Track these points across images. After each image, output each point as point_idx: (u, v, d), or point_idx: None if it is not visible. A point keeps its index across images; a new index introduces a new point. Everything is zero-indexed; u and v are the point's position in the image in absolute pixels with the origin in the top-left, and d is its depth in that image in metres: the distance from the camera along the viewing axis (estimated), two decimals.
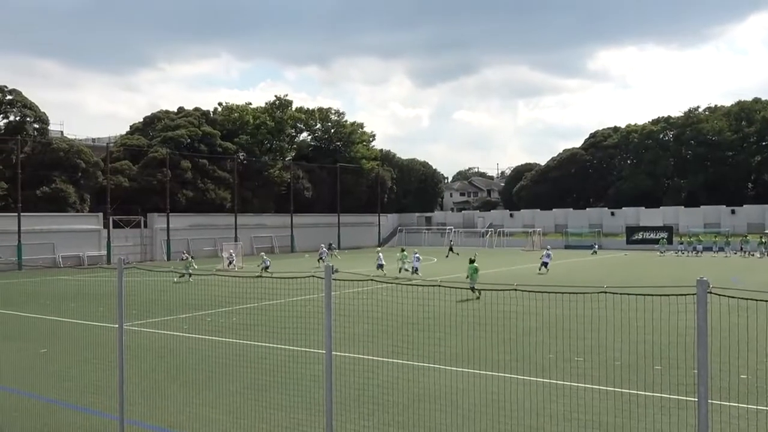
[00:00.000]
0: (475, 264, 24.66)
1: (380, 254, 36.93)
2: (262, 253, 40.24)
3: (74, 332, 17.12)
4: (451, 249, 55.27)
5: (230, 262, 40.19)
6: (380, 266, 34.54)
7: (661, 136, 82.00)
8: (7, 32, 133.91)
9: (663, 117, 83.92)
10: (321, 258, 43.10)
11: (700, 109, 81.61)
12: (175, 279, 30.72)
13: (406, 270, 33.47)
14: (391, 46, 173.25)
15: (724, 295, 4.78)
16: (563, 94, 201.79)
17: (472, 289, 20.84)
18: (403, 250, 36.62)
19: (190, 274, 29.83)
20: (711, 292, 4.53)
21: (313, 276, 7.03)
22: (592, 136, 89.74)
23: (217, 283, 29.32)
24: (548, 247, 43.73)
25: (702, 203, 69.71)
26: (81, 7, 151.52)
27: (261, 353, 13.87)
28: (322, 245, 46.80)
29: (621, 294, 5.71)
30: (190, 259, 34.74)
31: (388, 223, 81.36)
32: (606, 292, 5.71)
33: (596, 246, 60.05)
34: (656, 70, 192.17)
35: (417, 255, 34.49)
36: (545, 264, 37.00)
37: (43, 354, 14.80)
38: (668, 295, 5.17)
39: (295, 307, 19.35)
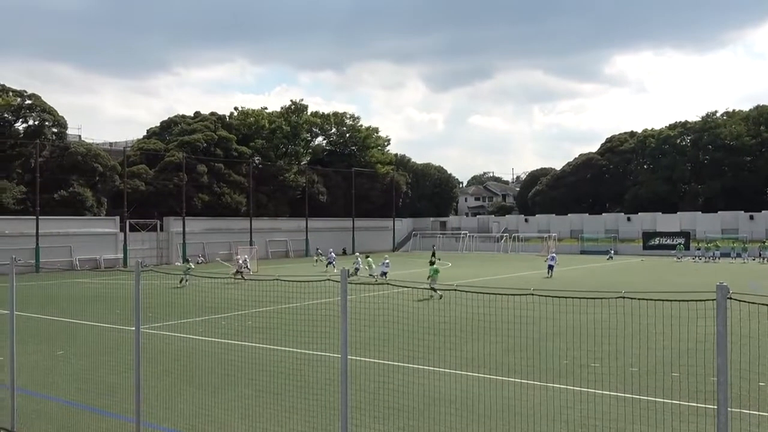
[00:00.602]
0: (435, 266, 27.13)
1: (359, 258, 38.32)
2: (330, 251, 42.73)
3: (91, 334, 17.25)
4: (433, 254, 53.41)
5: (240, 269, 40.21)
6: (356, 270, 35.80)
7: (678, 141, 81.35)
8: (24, 37, 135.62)
9: (680, 122, 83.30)
10: (331, 263, 43.44)
11: (718, 114, 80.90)
12: (178, 284, 30.55)
13: (372, 276, 33.77)
14: (405, 50, 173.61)
15: (744, 301, 4.72)
16: (579, 99, 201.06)
17: (433, 289, 21.88)
18: (367, 257, 38.33)
19: (186, 279, 29.73)
20: (731, 298, 4.48)
21: (329, 279, 7.03)
22: (608, 140, 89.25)
23: (233, 286, 29.44)
24: (553, 251, 43.60)
25: (720, 209, 69.04)
26: (97, 12, 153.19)
27: (276, 357, 13.90)
28: (330, 251, 47.37)
29: (639, 299, 5.65)
30: (189, 264, 34.72)
31: (402, 227, 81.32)
32: (624, 297, 5.65)
33: (612, 251, 59.65)
34: (673, 74, 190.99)
35: (387, 261, 34.72)
36: (551, 267, 37.36)
37: (60, 356, 14.93)
38: (687, 301, 5.11)
39: (309, 311, 19.38)
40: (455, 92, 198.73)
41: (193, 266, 34.09)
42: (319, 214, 70.37)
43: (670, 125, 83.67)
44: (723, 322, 4.39)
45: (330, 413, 9.61)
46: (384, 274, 33.83)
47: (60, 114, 57.50)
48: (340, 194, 74.86)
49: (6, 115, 54.72)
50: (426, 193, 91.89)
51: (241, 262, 39.31)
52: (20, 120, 56.33)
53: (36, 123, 56.23)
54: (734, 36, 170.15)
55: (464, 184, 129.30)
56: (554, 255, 38.80)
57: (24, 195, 50.61)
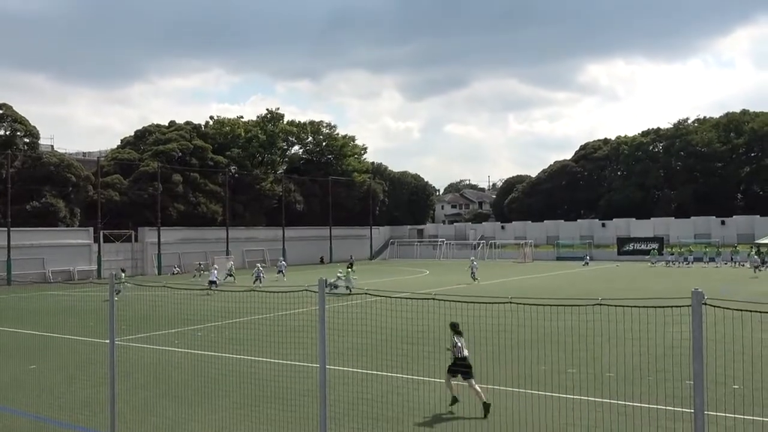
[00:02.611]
0: (350, 269, 31.13)
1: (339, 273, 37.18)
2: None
3: (64, 348, 16.96)
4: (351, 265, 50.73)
5: (228, 275, 40.14)
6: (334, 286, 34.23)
7: (651, 147, 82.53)
8: None
9: (652, 129, 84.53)
10: (281, 271, 43.85)
11: (689, 121, 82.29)
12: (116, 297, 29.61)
13: (348, 288, 32.16)
14: (381, 60, 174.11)
15: (720, 306, 4.77)
16: (553, 107, 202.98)
17: (348, 288, 27.39)
18: (349, 267, 35.90)
19: (119, 291, 28.78)
20: (706, 304, 4.53)
21: (306, 290, 6.99)
22: (583, 148, 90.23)
23: (208, 297, 29.16)
24: (472, 258, 43.84)
25: (692, 214, 70.07)
26: (70, 21, 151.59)
27: (252, 368, 13.77)
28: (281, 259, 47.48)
29: (616, 306, 5.70)
30: (122, 275, 33.18)
31: (380, 235, 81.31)
32: (601, 305, 5.69)
33: (588, 257, 60.15)
34: (645, 82, 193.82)
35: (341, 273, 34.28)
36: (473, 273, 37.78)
37: (32, 370, 14.65)
38: (664, 307, 5.16)
39: (285, 321, 19.26)
40: (430, 101, 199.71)
41: (124, 278, 32.62)
42: (296, 223, 70.12)
43: (642, 132, 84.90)
44: (699, 328, 4.43)
45: (308, 424, 9.54)
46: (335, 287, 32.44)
47: (32, 124, 56.82)
48: (317, 203, 74.69)
49: None
50: (403, 201, 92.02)
51: (227, 270, 39.00)
52: None
53: (7, 133, 55.43)
54: (703, 45, 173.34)
55: (441, 192, 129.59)
56: (476, 263, 39.52)
57: None
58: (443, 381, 10.97)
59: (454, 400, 10.56)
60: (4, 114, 55.04)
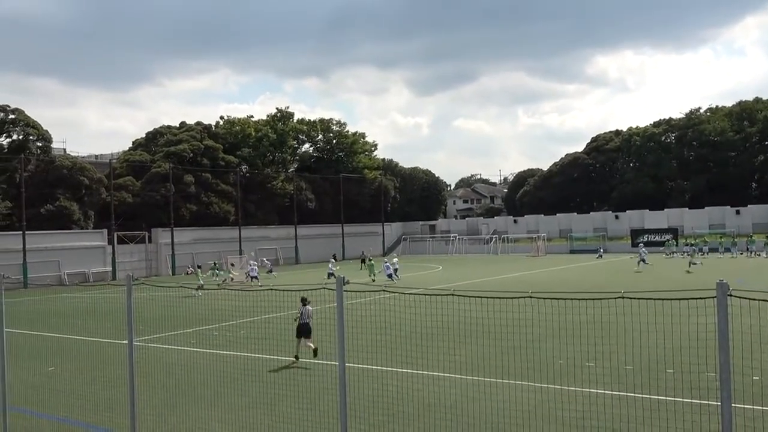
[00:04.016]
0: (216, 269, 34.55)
1: (387, 263, 38.40)
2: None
3: (82, 349, 17.09)
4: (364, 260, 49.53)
5: (247, 275, 40.36)
6: (330, 274, 37.37)
7: (663, 138, 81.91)
8: (5, 52, 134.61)
9: (664, 119, 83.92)
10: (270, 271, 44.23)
11: (702, 111, 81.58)
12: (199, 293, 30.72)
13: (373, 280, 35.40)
14: (388, 55, 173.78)
15: (745, 298, 4.72)
16: (562, 100, 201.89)
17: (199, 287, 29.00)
18: (215, 263, 38.84)
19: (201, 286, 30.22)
20: (731, 295, 4.47)
21: (324, 288, 6.99)
22: (594, 140, 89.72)
23: (223, 296, 29.29)
24: (394, 256, 43.40)
25: (706, 204, 69.54)
26: (79, 25, 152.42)
27: (269, 366, 13.83)
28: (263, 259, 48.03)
29: (639, 299, 5.65)
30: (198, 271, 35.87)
31: (392, 232, 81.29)
32: (624, 297, 5.64)
33: (602, 250, 59.88)
34: (654, 73, 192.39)
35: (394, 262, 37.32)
36: (390, 275, 37.19)
37: (51, 372, 14.77)
38: (689, 299, 5.11)
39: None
40: (439, 96, 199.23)
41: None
42: (307, 221, 70.23)
43: (654, 123, 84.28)
44: (724, 319, 4.38)
45: (326, 422, 9.56)
46: (390, 276, 36.02)
47: (44, 128, 57.11)
48: (329, 200, 74.76)
49: None
50: (414, 197, 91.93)
51: (248, 270, 39.29)
52: (4, 135, 55.88)
53: (20, 137, 55.79)
54: (712, 34, 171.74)
55: (452, 187, 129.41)
56: (392, 263, 39.42)
57: (9, 210, 50.14)
58: (462, 377, 10.99)
59: (315, 353, 14.26)
60: (17, 119, 55.39)
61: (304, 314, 14.63)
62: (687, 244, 57.41)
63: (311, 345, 14.42)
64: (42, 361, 15.87)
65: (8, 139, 56.11)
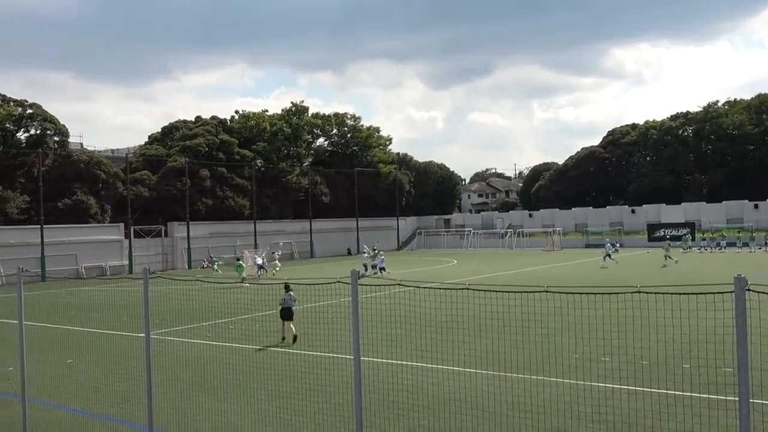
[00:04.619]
0: (240, 262, 36.46)
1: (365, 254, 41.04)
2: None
3: (99, 342, 17.26)
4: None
5: (260, 268, 40.61)
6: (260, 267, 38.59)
7: (680, 131, 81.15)
8: (22, 47, 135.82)
9: (681, 112, 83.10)
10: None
11: (720, 104, 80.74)
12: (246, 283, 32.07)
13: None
14: (402, 49, 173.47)
15: (764, 292, 4.67)
16: (577, 93, 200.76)
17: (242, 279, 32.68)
18: (238, 260, 39.11)
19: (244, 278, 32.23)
20: (749, 290, 4.43)
21: (339, 282, 7.01)
22: (610, 133, 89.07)
23: (239, 290, 29.44)
24: (379, 251, 42.81)
25: (724, 198, 68.86)
26: (94, 19, 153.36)
27: (285, 359, 13.89)
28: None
29: (655, 293, 5.61)
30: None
31: (406, 226, 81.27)
32: (641, 292, 5.60)
33: (618, 244, 59.48)
34: (672, 65, 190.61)
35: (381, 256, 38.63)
36: (382, 269, 37.25)
37: (69, 365, 14.93)
38: (705, 294, 5.07)
39: (316, 313, 19.37)
40: (454, 90, 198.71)
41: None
42: (322, 215, 70.38)
43: (671, 116, 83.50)
44: (742, 314, 4.34)
45: (341, 414, 9.59)
46: (383, 269, 36.51)
47: (61, 122, 57.63)
48: (343, 194, 74.86)
49: (7, 125, 54.82)
50: (429, 191, 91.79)
51: (259, 263, 39.56)
52: (22, 129, 56.45)
53: (38, 132, 56.33)
54: (730, 26, 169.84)
55: (467, 181, 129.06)
56: (373, 256, 39.40)
57: (27, 204, 50.70)
58: (477, 371, 10.99)
59: (294, 339, 15.89)
60: (34, 113, 55.90)
61: (287, 300, 16.31)
62: (704, 239, 56.95)
63: (293, 329, 16.10)
64: (60, 353, 16.04)
65: (26, 134, 56.71)
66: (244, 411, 10.30)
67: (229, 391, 11.60)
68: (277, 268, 41.10)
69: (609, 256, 41.47)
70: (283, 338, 16.28)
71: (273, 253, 43.81)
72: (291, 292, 16.47)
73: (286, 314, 16.31)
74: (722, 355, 10.96)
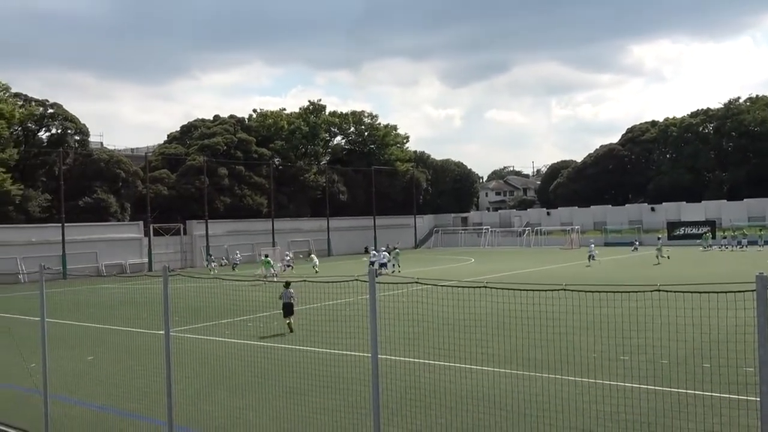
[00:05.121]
0: (268, 258, 37.23)
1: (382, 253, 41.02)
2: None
3: (119, 339, 17.44)
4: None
5: (288, 266, 41.25)
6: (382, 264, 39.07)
7: (701, 128, 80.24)
8: (42, 47, 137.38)
9: (702, 109, 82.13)
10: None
11: (741, 100, 79.66)
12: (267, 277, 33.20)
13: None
14: (420, 47, 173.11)
15: None
16: (596, 90, 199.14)
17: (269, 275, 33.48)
18: (266, 256, 39.94)
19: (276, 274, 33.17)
20: None
21: (357, 279, 7.02)
22: (630, 131, 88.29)
23: (257, 288, 29.58)
24: (388, 248, 42.63)
25: (745, 196, 68.00)
26: (113, 19, 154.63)
27: (303, 357, 13.95)
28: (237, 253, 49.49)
29: (675, 292, 5.57)
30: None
31: (424, 224, 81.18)
32: (660, 290, 5.56)
33: (637, 243, 58.99)
34: (692, 62, 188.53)
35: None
36: (384, 265, 37.34)
37: (90, 361, 15.10)
38: (726, 292, 5.02)
39: (333, 311, 19.40)
40: (471, 87, 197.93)
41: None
42: (339, 214, 70.51)
43: (691, 113, 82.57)
44: (764, 313, 4.30)
45: (358, 412, 9.61)
46: (383, 265, 36.93)
47: (82, 122, 58.24)
48: (361, 193, 74.94)
49: (29, 124, 55.53)
50: (446, 189, 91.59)
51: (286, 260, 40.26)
52: (43, 129, 57.18)
53: (59, 131, 57.01)
54: (751, 21, 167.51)
55: (484, 179, 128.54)
56: (385, 253, 39.16)
57: (49, 203, 51.33)
58: (495, 369, 10.97)
59: (290, 330, 17.48)
60: (55, 113, 56.56)
61: (286, 295, 17.91)
62: (724, 237, 56.29)
63: (291, 322, 17.72)
64: (81, 350, 16.23)
65: (47, 134, 57.44)
66: (262, 408, 10.35)
67: (247, 388, 11.67)
68: (316, 267, 41.98)
69: (592, 257, 41.50)
70: (291, 330, 17.63)
71: (394, 248, 45.32)
72: (290, 290, 17.97)
73: (287, 307, 17.87)
74: (743, 354, 10.84)
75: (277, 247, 51.07)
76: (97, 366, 14.53)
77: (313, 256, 44.75)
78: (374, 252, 41.14)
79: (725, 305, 6.56)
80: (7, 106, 51.11)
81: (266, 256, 39.67)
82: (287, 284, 18.19)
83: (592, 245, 44.29)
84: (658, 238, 48.36)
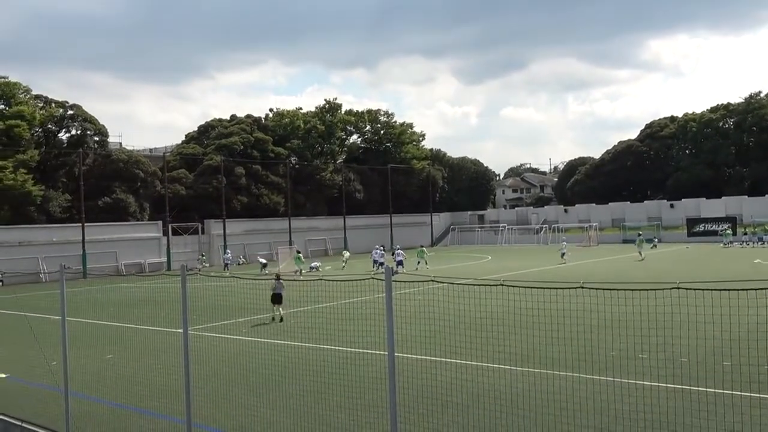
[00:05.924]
0: (299, 255, 38.24)
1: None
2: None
3: (138, 338, 17.59)
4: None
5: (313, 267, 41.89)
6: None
7: (721, 124, 79.27)
8: (61, 48, 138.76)
9: (722, 104, 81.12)
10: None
11: (762, 95, 78.65)
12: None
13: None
14: (435, 45, 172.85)
15: None
16: (613, 86, 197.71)
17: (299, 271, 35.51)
18: (298, 252, 41.67)
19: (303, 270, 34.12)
20: None
21: (373, 278, 7.03)
22: (648, 126, 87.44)
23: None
24: (398, 247, 42.19)
25: (766, 192, 67.14)
26: (130, 20, 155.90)
27: (320, 355, 13.98)
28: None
29: (695, 290, 5.51)
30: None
31: (440, 222, 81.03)
32: (680, 288, 5.50)
33: (656, 239, 58.46)
34: (711, 56, 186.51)
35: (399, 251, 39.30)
36: (401, 263, 36.83)
37: (109, 359, 15.24)
38: (747, 290, 4.96)
39: (350, 309, 19.42)
40: (487, 85, 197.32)
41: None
42: (356, 212, 70.56)
43: (711, 108, 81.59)
44: None
45: (375, 410, 9.62)
46: (400, 263, 36.85)
47: (101, 123, 58.78)
48: (377, 191, 74.93)
49: (50, 125, 56.18)
50: (463, 187, 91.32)
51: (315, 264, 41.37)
52: (63, 130, 57.81)
53: (78, 132, 57.59)
54: None
55: (501, 177, 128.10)
56: (401, 251, 38.88)
57: (69, 203, 51.90)
58: (512, 368, 10.93)
59: (281, 319, 19.36)
60: (75, 114, 57.15)
61: (276, 286, 19.59)
62: (745, 233, 55.63)
63: (281, 311, 19.53)
64: (101, 348, 16.38)
65: (67, 134, 58.07)
66: (279, 406, 10.40)
67: (265, 386, 11.72)
68: (344, 262, 43.88)
69: (563, 254, 41.82)
70: (273, 318, 19.47)
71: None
72: (281, 281, 19.90)
73: (277, 298, 19.60)
74: (765, 352, 10.74)
75: (294, 246, 51.21)
76: (116, 364, 14.67)
77: (345, 252, 47.76)
78: (377, 250, 40.65)
79: (746, 303, 6.48)
80: (28, 108, 51.76)
81: (298, 252, 40.36)
82: (278, 277, 20.45)
83: (564, 243, 45.52)
84: (639, 234, 47.98)
